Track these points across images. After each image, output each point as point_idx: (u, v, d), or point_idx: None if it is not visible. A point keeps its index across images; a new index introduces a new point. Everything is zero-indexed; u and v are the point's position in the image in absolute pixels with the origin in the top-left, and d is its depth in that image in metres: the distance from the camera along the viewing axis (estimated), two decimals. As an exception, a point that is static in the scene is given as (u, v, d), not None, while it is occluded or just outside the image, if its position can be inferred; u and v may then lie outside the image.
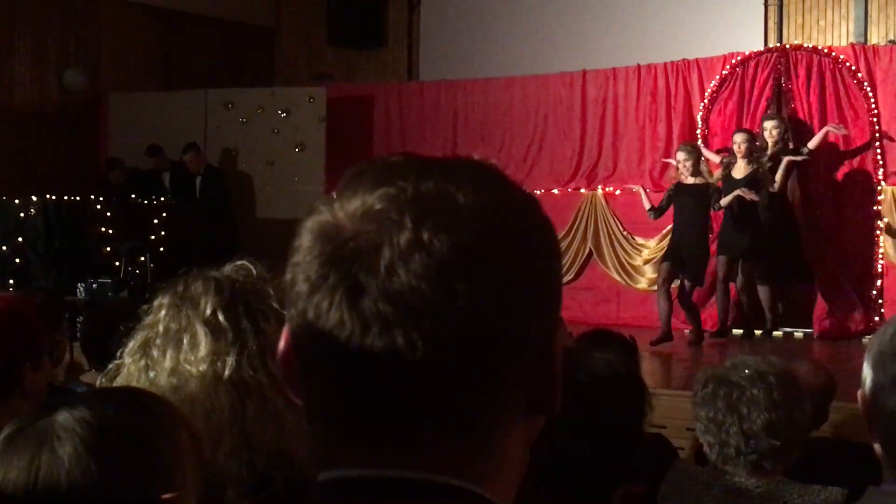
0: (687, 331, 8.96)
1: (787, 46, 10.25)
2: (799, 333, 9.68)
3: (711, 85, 10.29)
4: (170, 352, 1.85)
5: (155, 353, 1.87)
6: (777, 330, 9.43)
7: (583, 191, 11.06)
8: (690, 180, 8.79)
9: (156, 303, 1.91)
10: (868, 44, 10.21)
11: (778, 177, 9.07)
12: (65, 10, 12.43)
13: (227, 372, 1.82)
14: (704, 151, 9.78)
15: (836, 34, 10.72)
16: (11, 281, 10.10)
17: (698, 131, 10.28)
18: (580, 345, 3.50)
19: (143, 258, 10.77)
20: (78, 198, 10.87)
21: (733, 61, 10.21)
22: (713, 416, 2.64)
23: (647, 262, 10.52)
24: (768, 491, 2.56)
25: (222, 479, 1.77)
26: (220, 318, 1.84)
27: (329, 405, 0.89)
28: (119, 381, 1.89)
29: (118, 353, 1.94)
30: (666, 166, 10.08)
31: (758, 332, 9.26)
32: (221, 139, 12.32)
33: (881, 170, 9.62)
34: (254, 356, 1.83)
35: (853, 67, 9.74)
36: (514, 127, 11.60)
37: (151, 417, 1.40)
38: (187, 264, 1.96)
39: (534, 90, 11.52)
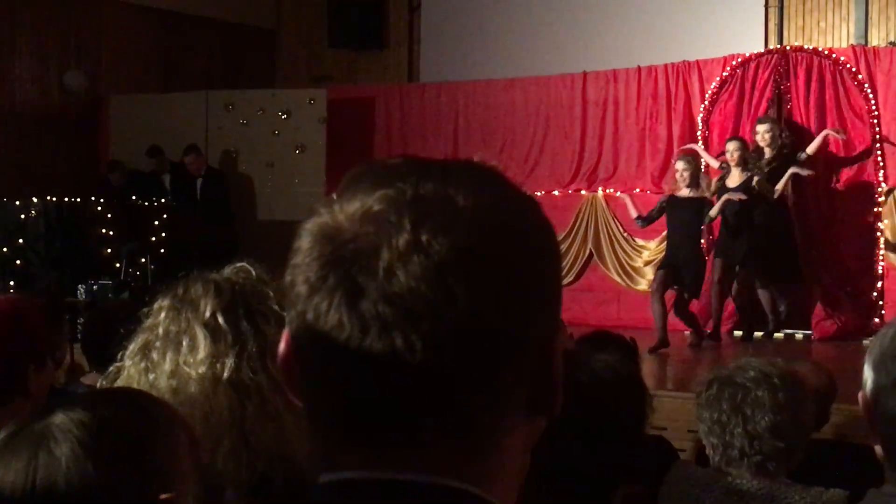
0: (687, 332, 8.97)
1: (788, 48, 10.25)
2: (799, 335, 9.68)
3: (712, 86, 10.29)
4: (170, 354, 1.85)
5: (155, 355, 1.87)
6: (778, 332, 9.43)
7: (583, 192, 11.06)
8: (685, 192, 8.77)
9: (156, 305, 1.92)
10: (868, 45, 10.21)
11: (780, 186, 9.05)
12: (65, 11, 12.43)
13: (226, 374, 1.82)
14: (705, 156, 9.78)
15: (836, 36, 10.72)
16: (12, 282, 10.10)
17: (699, 132, 10.28)
18: (581, 346, 3.50)
19: (143, 260, 10.77)
20: (78, 199, 10.87)
21: (734, 63, 10.21)
22: (717, 418, 2.63)
23: (647, 263, 10.51)
24: (769, 493, 2.55)
25: (222, 480, 1.77)
26: (220, 320, 1.84)
27: (329, 406, 0.89)
28: (119, 384, 1.90)
29: (119, 356, 1.94)
30: (667, 169, 10.07)
31: (758, 333, 9.26)
32: (222, 141, 12.32)
33: (881, 171, 9.62)
34: (253, 358, 1.83)
35: (854, 69, 9.74)
36: (515, 128, 11.60)
37: (148, 418, 1.39)
38: (188, 266, 1.97)
39: (534, 92, 11.52)
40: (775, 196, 9.04)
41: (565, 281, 10.12)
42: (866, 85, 9.66)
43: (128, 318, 1.99)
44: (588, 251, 10.90)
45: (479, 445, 0.88)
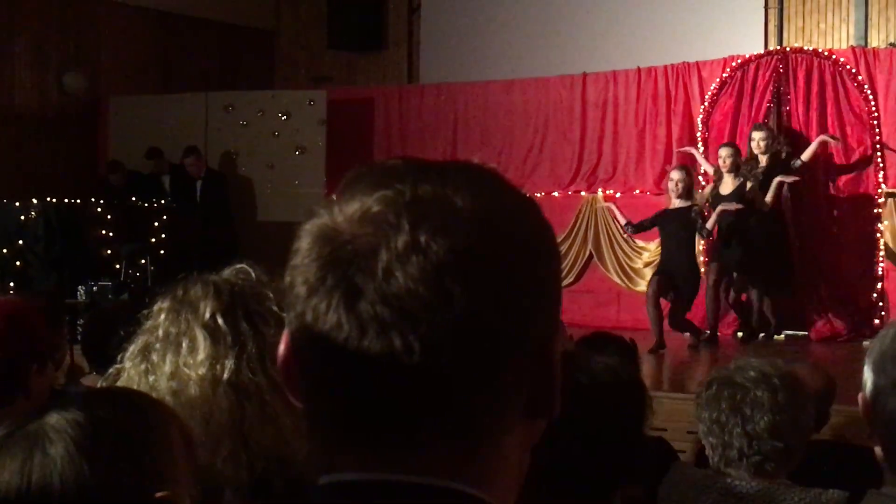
0: (687, 334, 8.97)
1: (788, 49, 10.25)
2: (799, 336, 9.67)
3: (712, 88, 10.28)
4: (169, 356, 1.86)
5: (155, 357, 1.88)
6: (779, 334, 9.44)
7: (583, 193, 11.06)
8: (677, 203, 8.83)
9: (155, 307, 1.92)
10: (868, 47, 10.21)
11: (768, 198, 9.03)
12: (65, 13, 12.43)
13: (226, 375, 1.82)
14: (703, 162, 9.79)
15: (836, 37, 10.73)
16: (12, 284, 10.09)
17: (698, 134, 10.28)
18: (580, 347, 3.50)
19: (143, 261, 10.77)
20: (78, 200, 10.87)
21: (733, 64, 10.21)
22: (716, 418, 2.63)
23: (647, 264, 10.51)
24: (767, 494, 2.55)
25: (221, 481, 1.77)
26: (220, 321, 1.84)
27: (327, 407, 0.89)
28: (120, 385, 1.89)
29: (118, 358, 1.94)
30: (665, 171, 10.06)
31: (760, 334, 9.28)
32: (221, 142, 12.32)
33: (881, 172, 9.62)
34: (253, 359, 1.83)
35: (853, 70, 9.74)
36: (515, 130, 11.60)
37: (142, 417, 1.39)
38: (187, 267, 1.97)
39: (534, 93, 11.52)
40: (766, 209, 9.05)
41: (565, 282, 10.11)
42: (866, 86, 9.66)
43: (127, 320, 1.99)
44: (588, 252, 10.91)
45: (478, 446, 0.88)
